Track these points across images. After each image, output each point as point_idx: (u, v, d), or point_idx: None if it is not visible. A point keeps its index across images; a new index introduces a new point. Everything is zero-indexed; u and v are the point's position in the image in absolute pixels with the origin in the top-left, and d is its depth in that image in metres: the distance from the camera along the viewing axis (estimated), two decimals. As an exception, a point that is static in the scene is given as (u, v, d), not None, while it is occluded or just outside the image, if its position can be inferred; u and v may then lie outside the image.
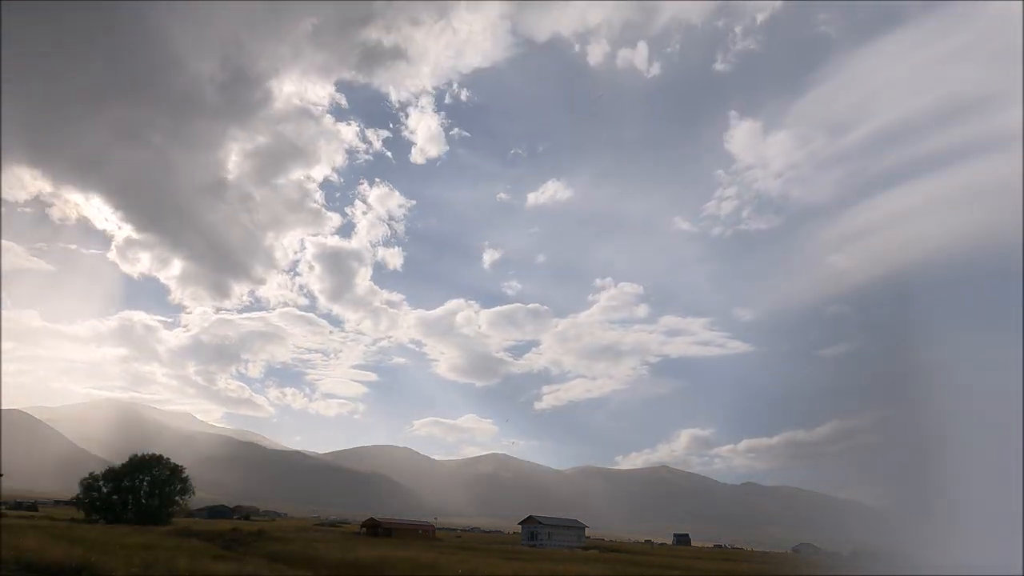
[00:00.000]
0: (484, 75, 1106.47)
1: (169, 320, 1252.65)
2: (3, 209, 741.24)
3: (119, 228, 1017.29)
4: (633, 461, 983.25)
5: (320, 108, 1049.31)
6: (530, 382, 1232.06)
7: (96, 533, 44.68)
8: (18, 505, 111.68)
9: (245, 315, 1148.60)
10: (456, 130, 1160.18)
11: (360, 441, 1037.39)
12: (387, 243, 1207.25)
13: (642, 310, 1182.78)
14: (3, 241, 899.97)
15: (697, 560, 74.96)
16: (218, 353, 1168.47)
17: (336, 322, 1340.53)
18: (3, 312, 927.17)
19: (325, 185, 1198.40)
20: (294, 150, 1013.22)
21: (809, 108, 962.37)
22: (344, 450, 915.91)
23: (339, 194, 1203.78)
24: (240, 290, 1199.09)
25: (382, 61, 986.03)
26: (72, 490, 77.60)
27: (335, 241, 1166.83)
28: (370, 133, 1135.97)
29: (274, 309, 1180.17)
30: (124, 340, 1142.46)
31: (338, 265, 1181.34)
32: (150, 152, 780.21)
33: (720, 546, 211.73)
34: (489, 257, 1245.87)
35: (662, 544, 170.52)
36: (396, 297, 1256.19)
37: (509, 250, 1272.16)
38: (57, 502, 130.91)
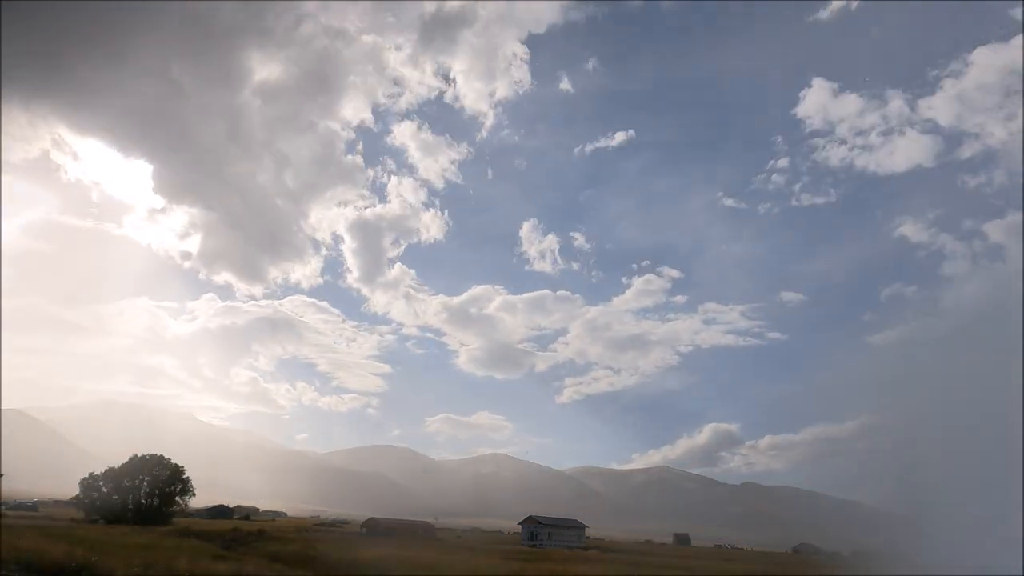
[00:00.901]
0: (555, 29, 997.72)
1: (176, 306, 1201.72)
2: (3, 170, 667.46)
3: (135, 197, 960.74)
4: (651, 459, 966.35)
5: (359, 27, 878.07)
6: (553, 375, 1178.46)
7: (96, 533, 44.71)
8: (18, 505, 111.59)
9: (253, 303, 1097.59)
10: (517, 76, 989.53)
11: (369, 439, 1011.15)
12: (427, 206, 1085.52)
13: (678, 296, 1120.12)
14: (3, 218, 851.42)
15: (697, 560, 74.99)
16: (228, 344, 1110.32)
17: (356, 307, 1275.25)
18: (2, 300, 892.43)
19: (362, 131, 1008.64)
20: (327, 84, 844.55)
21: (888, 68, 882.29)
22: (345, 450, 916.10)
23: (379, 142, 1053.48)
24: (276, 272, 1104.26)
25: (444, 31, 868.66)
26: (72, 490, 77.55)
27: (370, 207, 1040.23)
28: (425, 61, 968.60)
29: (284, 297, 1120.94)
30: (132, 330, 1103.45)
31: (369, 240, 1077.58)
32: (167, 90, 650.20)
33: (720, 546, 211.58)
34: (527, 230, 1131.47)
35: (662, 544, 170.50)
36: (420, 282, 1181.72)
37: (549, 222, 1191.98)
38: (57, 502, 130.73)
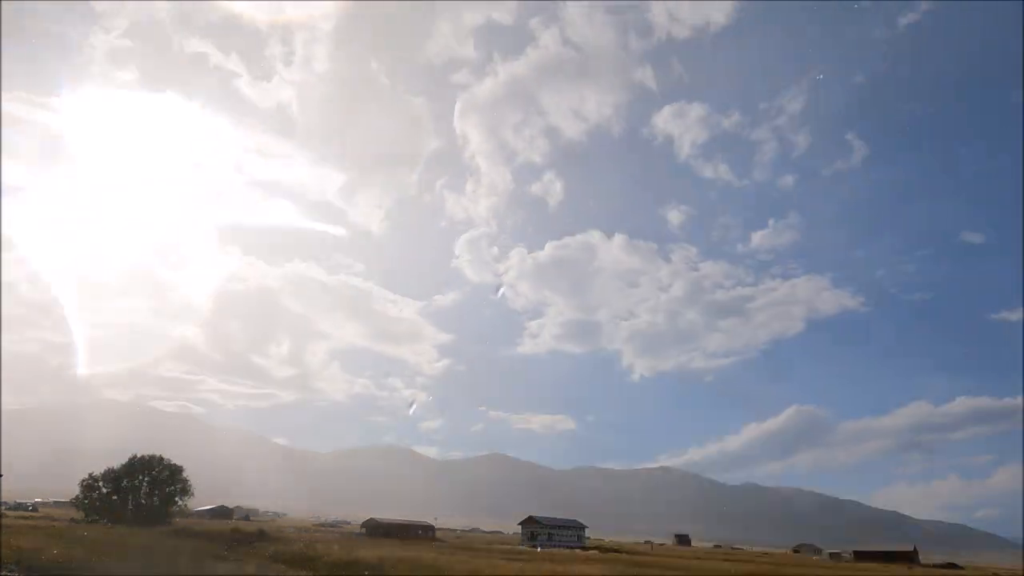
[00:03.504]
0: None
1: (176, 260, 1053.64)
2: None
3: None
4: (726, 443, 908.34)
5: None
6: (630, 348, 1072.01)
7: (96, 533, 44.68)
8: (18, 505, 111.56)
9: (274, 266, 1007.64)
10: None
11: (375, 438, 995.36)
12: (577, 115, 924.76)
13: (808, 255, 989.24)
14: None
15: (697, 560, 74.94)
16: (254, 318, 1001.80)
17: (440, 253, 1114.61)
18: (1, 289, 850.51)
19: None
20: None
21: None
22: (346, 449, 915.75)
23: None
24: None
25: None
26: (72, 490, 77.52)
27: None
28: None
29: (312, 260, 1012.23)
30: (146, 295, 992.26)
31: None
32: None
33: (720, 546, 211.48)
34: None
35: (662, 544, 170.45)
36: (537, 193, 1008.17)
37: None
38: (57, 502, 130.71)
